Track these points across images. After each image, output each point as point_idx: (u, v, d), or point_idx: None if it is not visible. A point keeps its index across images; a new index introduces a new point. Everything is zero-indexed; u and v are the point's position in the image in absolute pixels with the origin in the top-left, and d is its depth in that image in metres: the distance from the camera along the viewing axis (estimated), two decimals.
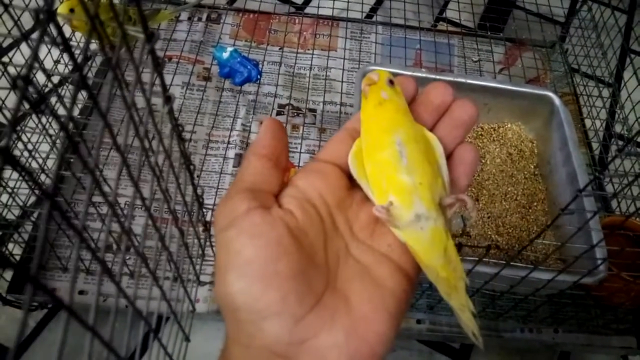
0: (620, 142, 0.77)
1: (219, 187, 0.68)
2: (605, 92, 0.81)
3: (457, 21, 0.89)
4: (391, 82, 0.26)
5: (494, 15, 0.89)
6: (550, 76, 0.84)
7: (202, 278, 0.58)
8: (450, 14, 0.94)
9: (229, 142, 0.72)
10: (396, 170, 0.23)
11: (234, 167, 0.71)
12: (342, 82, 0.78)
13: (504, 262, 0.44)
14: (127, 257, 0.60)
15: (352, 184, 0.25)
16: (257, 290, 0.20)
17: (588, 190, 0.54)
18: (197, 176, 0.68)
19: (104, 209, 0.62)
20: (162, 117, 0.28)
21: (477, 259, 0.44)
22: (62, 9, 0.57)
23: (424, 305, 0.58)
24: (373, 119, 0.25)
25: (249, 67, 0.71)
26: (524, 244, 0.57)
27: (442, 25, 0.93)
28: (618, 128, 0.77)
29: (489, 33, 0.86)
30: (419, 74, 0.62)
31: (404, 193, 0.23)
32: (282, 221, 0.22)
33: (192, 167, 0.34)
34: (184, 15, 0.85)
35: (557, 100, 0.62)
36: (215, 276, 0.22)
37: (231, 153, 0.72)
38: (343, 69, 0.79)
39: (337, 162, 0.25)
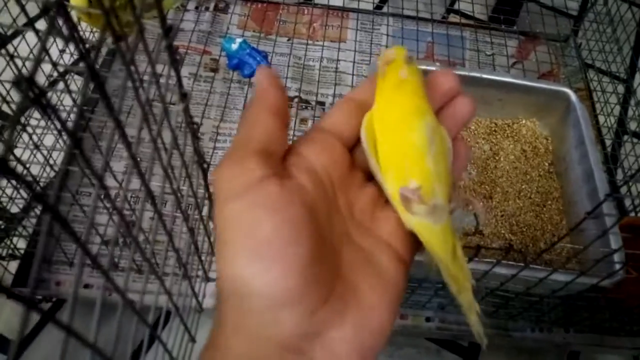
0: (635, 140, 0.76)
1: None
2: (620, 88, 0.79)
3: (470, 13, 0.87)
4: (410, 59, 0.24)
5: (507, 7, 0.87)
6: (564, 71, 0.83)
7: (211, 275, 0.57)
8: (462, 5, 0.92)
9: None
10: (425, 156, 0.22)
11: None
12: (352, 74, 0.77)
13: (518, 264, 0.43)
14: (135, 253, 0.59)
15: (353, 161, 0.24)
16: (276, 275, 0.17)
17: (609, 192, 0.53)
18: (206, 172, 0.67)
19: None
20: (177, 115, 0.27)
21: (493, 260, 0.43)
22: (77, 1, 0.56)
23: (435, 304, 0.57)
24: (393, 99, 0.23)
25: (258, 58, 0.70)
26: (538, 243, 0.56)
27: (454, 17, 0.91)
28: (632, 125, 0.76)
29: (502, 26, 0.84)
30: (433, 68, 0.60)
31: (428, 180, 0.22)
32: (299, 197, 0.19)
33: (205, 165, 0.33)
34: (191, 5, 0.84)
35: (573, 97, 0.60)
36: (217, 255, 0.19)
37: None
38: (353, 61, 0.77)
39: (341, 134, 0.23)
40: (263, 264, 0.17)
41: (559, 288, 0.44)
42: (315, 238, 0.19)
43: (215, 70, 0.77)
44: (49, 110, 0.15)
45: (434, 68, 0.61)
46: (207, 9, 0.84)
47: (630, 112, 0.78)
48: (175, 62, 0.24)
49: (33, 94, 0.13)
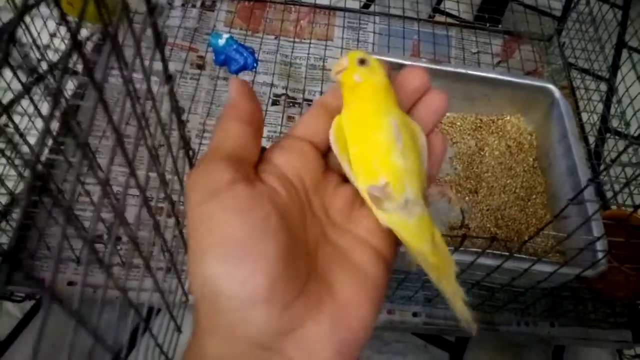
0: (617, 137, 0.77)
1: None
2: (602, 87, 0.81)
3: (455, 13, 0.88)
4: (362, 62, 0.24)
5: (491, 7, 0.88)
6: (548, 69, 0.84)
7: None
8: (448, 5, 0.93)
9: None
10: (391, 152, 0.22)
11: None
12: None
13: (503, 254, 0.43)
14: (119, 247, 0.59)
15: (327, 165, 0.24)
16: (243, 274, 0.18)
17: (590, 187, 0.54)
18: (192, 164, 0.67)
19: (96, 197, 0.61)
20: (162, 98, 0.27)
21: (478, 250, 0.43)
22: None
23: (422, 298, 0.57)
24: (355, 101, 0.24)
25: (245, 54, 0.70)
26: (523, 236, 0.57)
27: (440, 17, 0.92)
28: (614, 123, 0.77)
29: (487, 25, 0.85)
30: (420, 64, 0.61)
31: (397, 176, 0.22)
32: (268, 198, 0.20)
33: (191, 151, 0.33)
34: (177, 2, 0.83)
35: (557, 93, 0.61)
36: (189, 257, 0.19)
37: None
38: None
39: (312, 139, 0.23)
40: (231, 264, 0.18)
41: (543, 279, 0.45)
42: (285, 238, 0.19)
43: (201, 67, 0.76)
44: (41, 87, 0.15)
45: (421, 64, 0.61)
46: (193, 6, 0.84)
47: (612, 110, 0.79)
48: (160, 43, 0.24)
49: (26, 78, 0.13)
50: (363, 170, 0.23)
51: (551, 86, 0.62)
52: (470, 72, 0.61)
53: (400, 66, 0.61)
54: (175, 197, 0.36)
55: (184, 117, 0.70)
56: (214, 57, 0.72)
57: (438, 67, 0.61)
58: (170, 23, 0.80)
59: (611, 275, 0.48)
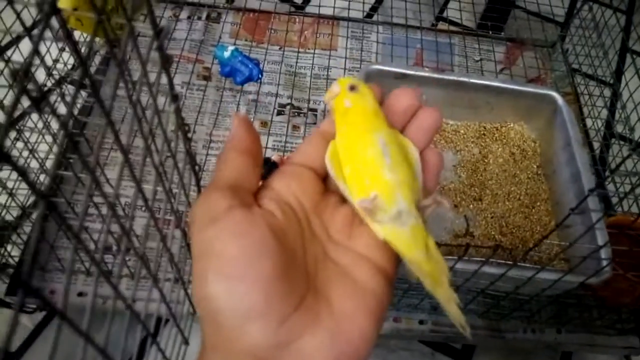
0: (622, 142, 0.77)
1: None
2: (606, 92, 0.81)
3: (458, 21, 0.88)
4: (353, 88, 0.26)
5: (494, 14, 0.89)
6: (552, 76, 0.84)
7: None
8: (450, 13, 0.94)
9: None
10: (380, 168, 0.24)
11: None
12: None
13: (507, 262, 0.43)
14: (128, 259, 0.59)
15: (326, 187, 0.26)
16: (240, 291, 0.19)
17: (594, 195, 0.54)
18: (200, 177, 0.67)
19: (105, 210, 0.62)
20: (168, 117, 0.28)
21: (482, 259, 0.43)
22: (64, 4, 0.56)
23: (428, 306, 0.57)
24: (345, 125, 0.26)
25: (250, 66, 0.71)
26: (527, 244, 0.57)
27: (442, 25, 0.93)
28: (619, 128, 0.77)
29: (490, 32, 0.86)
30: (423, 73, 0.62)
31: (388, 189, 0.23)
32: (264, 220, 0.21)
33: (197, 167, 0.34)
34: (183, 14, 0.85)
35: (559, 100, 0.61)
36: (193, 280, 0.21)
37: None
38: (344, 69, 0.78)
39: (311, 165, 0.25)
40: (229, 283, 0.19)
41: (548, 286, 0.45)
42: (282, 257, 0.21)
43: (207, 78, 0.78)
44: (45, 108, 0.16)
45: (423, 73, 0.62)
46: (199, 18, 0.85)
47: (616, 115, 0.79)
48: (167, 64, 0.25)
49: (32, 95, 0.14)
50: (357, 187, 0.24)
51: (554, 93, 0.62)
52: (473, 80, 0.62)
53: (404, 76, 0.62)
54: (182, 209, 0.37)
55: (190, 131, 0.71)
56: (219, 69, 0.73)
57: (441, 75, 0.62)
58: (177, 35, 0.81)
59: (616, 282, 0.48)
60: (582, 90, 0.82)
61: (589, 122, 0.79)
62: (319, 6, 0.88)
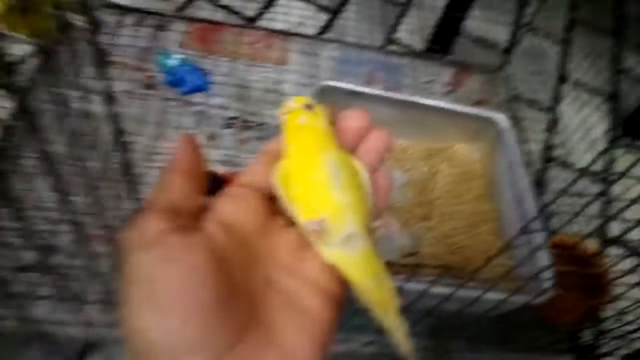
0: (559, 166, 0.80)
1: None
2: (546, 117, 0.85)
3: (408, 42, 0.90)
4: (309, 107, 0.26)
5: (442, 38, 0.91)
6: (495, 100, 0.87)
7: None
8: (401, 35, 0.95)
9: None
10: (329, 190, 0.23)
11: None
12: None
13: (454, 283, 0.43)
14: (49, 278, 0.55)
15: (275, 209, 0.24)
16: (174, 324, 0.18)
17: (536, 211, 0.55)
18: (137, 190, 0.64)
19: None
20: (102, 120, 0.25)
21: (430, 279, 0.43)
22: None
23: (373, 328, 0.56)
24: (296, 143, 0.25)
25: (197, 76, 0.68)
26: (473, 263, 0.57)
27: (393, 46, 0.94)
28: (558, 152, 0.80)
29: (439, 55, 0.88)
30: (374, 92, 0.62)
31: (337, 212, 0.23)
32: (204, 245, 0.20)
33: (133, 177, 0.31)
34: (129, 20, 0.81)
35: (503, 123, 0.63)
36: (122, 309, 0.19)
37: None
38: (295, 84, 0.77)
39: (258, 185, 0.24)
40: (161, 313, 0.18)
41: (493, 307, 0.45)
42: (223, 285, 0.19)
43: (151, 87, 0.74)
44: None
45: (375, 92, 0.62)
46: (145, 25, 0.82)
47: (555, 139, 0.82)
48: (104, 62, 0.23)
49: None
50: (305, 209, 0.23)
51: (498, 116, 0.64)
52: (422, 101, 0.63)
53: (356, 93, 0.62)
54: (116, 224, 0.34)
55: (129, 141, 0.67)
56: (165, 78, 0.70)
57: (392, 95, 0.62)
58: (121, 42, 0.78)
59: (557, 301, 0.49)
60: (523, 114, 0.85)
61: (529, 146, 0.82)
62: (271, 20, 0.87)
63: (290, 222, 0.24)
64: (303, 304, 0.21)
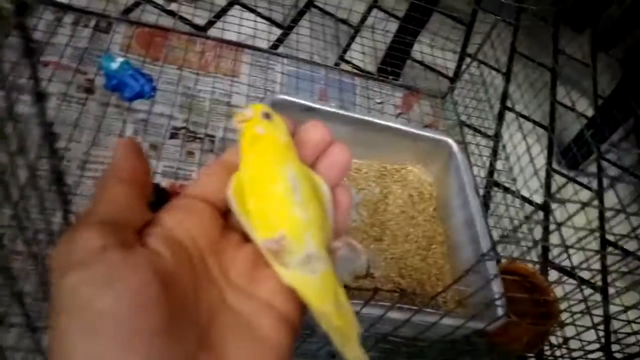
0: (501, 191, 0.83)
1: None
2: (490, 143, 0.87)
3: (360, 64, 0.90)
4: (267, 116, 0.24)
5: (393, 61, 0.92)
6: (443, 124, 0.89)
7: None
8: (353, 55, 0.95)
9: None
10: (289, 205, 0.21)
11: None
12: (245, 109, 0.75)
13: (411, 308, 0.42)
14: None
15: (227, 224, 0.22)
16: (112, 354, 0.15)
17: (487, 238, 0.55)
18: (68, 200, 0.58)
19: None
20: (29, 119, 0.22)
21: (385, 304, 0.41)
22: None
23: (325, 352, 0.54)
24: (253, 154, 0.23)
25: (141, 81, 0.64)
26: (424, 286, 0.56)
27: (345, 66, 0.94)
28: (502, 177, 0.83)
29: (390, 78, 0.89)
30: (329, 109, 0.60)
31: (297, 229, 0.21)
32: (148, 264, 0.17)
33: (64, 188, 0.27)
34: (67, 19, 0.76)
35: (454, 146, 0.64)
36: (50, 335, 0.16)
37: None
38: (247, 96, 0.75)
39: (210, 198, 0.22)
40: (97, 343, 0.16)
41: (449, 332, 0.44)
42: (168, 308, 0.17)
43: (90, 90, 0.69)
44: None
45: (330, 109, 0.61)
46: (86, 25, 0.77)
47: (499, 166, 0.85)
48: (32, 52, 0.19)
49: None
50: (261, 225, 0.21)
51: (449, 140, 0.64)
52: (376, 120, 0.62)
53: (310, 109, 0.60)
54: (42, 238, 0.30)
55: (60, 146, 0.61)
56: (105, 81, 0.65)
57: (347, 113, 0.61)
58: (58, 41, 0.72)
59: (508, 328, 0.49)
60: (469, 139, 0.87)
61: (474, 170, 0.84)
62: (223, 30, 0.84)
63: (245, 239, 0.22)
64: (258, 328, 0.19)
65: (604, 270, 0.66)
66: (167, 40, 0.80)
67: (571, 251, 0.68)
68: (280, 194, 0.22)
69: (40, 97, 0.20)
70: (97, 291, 0.16)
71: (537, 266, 0.63)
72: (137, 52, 0.76)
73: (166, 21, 0.81)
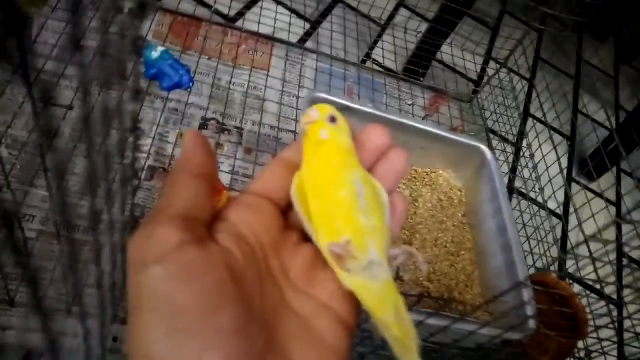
0: (520, 197, 0.83)
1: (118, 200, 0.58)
2: (512, 150, 0.87)
3: (384, 61, 0.90)
4: (333, 119, 0.24)
5: (419, 62, 0.92)
6: (468, 129, 0.89)
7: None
8: (377, 52, 0.95)
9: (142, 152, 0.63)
10: (354, 211, 0.22)
11: (145, 180, 0.62)
12: (277, 103, 0.75)
13: (453, 316, 0.42)
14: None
15: (287, 223, 0.23)
16: (192, 350, 0.15)
17: (519, 247, 0.55)
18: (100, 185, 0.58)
19: None
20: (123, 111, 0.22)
21: (420, 310, 0.41)
22: None
23: (357, 355, 0.54)
24: (317, 157, 0.23)
25: (181, 72, 0.64)
26: (452, 292, 0.57)
27: (370, 63, 0.93)
28: (521, 184, 0.83)
29: (421, 80, 0.89)
30: (366, 109, 0.60)
31: (360, 235, 0.21)
32: (222, 261, 0.18)
33: (135, 180, 0.27)
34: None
35: (488, 153, 0.64)
36: (129, 333, 0.17)
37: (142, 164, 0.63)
38: (277, 91, 0.74)
39: (271, 196, 0.22)
40: (178, 339, 0.16)
41: (484, 341, 0.44)
42: (242, 306, 0.17)
43: (124, 77, 0.69)
44: None
45: (367, 109, 0.61)
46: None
47: (526, 174, 0.85)
48: (139, 50, 0.19)
49: None
50: (324, 228, 0.22)
51: (482, 146, 0.64)
52: (411, 123, 0.62)
53: (348, 109, 0.60)
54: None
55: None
56: (144, 70, 0.65)
57: (384, 114, 0.61)
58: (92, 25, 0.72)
59: (537, 338, 0.50)
60: (495, 145, 0.87)
61: None
62: (251, 22, 0.84)
63: (304, 238, 0.23)
64: (319, 331, 0.19)
65: (620, 283, 0.66)
66: (199, 31, 0.79)
67: (589, 262, 0.68)
68: (346, 199, 0.22)
69: (137, 95, 0.20)
70: (177, 287, 0.16)
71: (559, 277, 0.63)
72: (171, 41, 0.76)
73: (197, 11, 0.81)
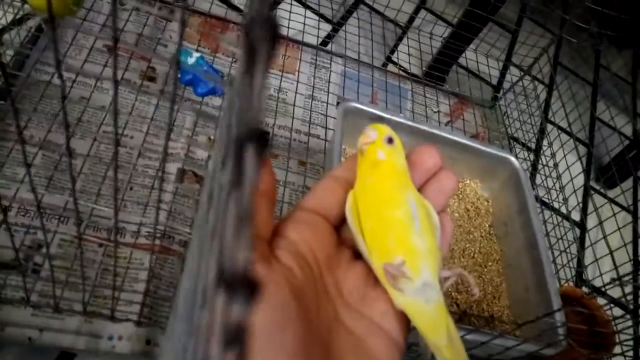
0: (543, 207, 0.83)
1: (148, 204, 0.58)
2: (532, 156, 0.87)
3: (406, 65, 0.90)
4: (390, 140, 0.25)
5: (440, 66, 0.91)
6: (490, 135, 0.89)
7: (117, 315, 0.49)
8: (400, 56, 0.95)
9: (170, 154, 0.64)
10: (409, 232, 0.22)
11: (174, 182, 0.62)
12: (302, 107, 0.75)
13: (489, 332, 0.42)
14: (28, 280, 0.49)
15: (339, 240, 0.23)
16: None
17: (550, 263, 0.56)
18: (130, 188, 0.59)
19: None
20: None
21: (468, 327, 0.42)
22: None
23: None
24: (373, 177, 0.24)
25: (215, 77, 0.64)
26: (480, 304, 0.57)
27: (391, 67, 0.93)
28: (541, 192, 0.83)
29: (445, 85, 0.88)
30: (398, 119, 0.60)
31: (415, 256, 0.22)
32: (285, 280, 0.18)
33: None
34: (130, 4, 0.75)
35: (517, 164, 0.64)
36: None
37: (172, 167, 0.63)
38: (303, 95, 0.74)
39: (325, 212, 0.23)
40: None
41: (517, 356, 0.45)
42: (304, 323, 0.17)
43: (152, 79, 0.69)
44: None
45: (399, 119, 0.61)
46: (149, 13, 0.76)
47: (550, 184, 0.85)
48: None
49: None
50: (378, 247, 0.22)
51: (511, 157, 0.64)
52: (443, 134, 0.62)
53: (380, 118, 0.60)
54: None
55: (127, 134, 0.61)
56: (180, 76, 0.65)
57: (416, 124, 0.61)
58: (120, 26, 0.72)
59: (566, 353, 0.50)
60: (516, 152, 0.87)
61: None
62: (288, 28, 0.83)
63: (358, 255, 0.23)
64: (372, 351, 0.20)
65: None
66: (224, 33, 0.79)
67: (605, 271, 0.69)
68: (401, 220, 0.22)
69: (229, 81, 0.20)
70: None
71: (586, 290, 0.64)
72: (197, 43, 0.76)
73: (220, 11, 0.81)
